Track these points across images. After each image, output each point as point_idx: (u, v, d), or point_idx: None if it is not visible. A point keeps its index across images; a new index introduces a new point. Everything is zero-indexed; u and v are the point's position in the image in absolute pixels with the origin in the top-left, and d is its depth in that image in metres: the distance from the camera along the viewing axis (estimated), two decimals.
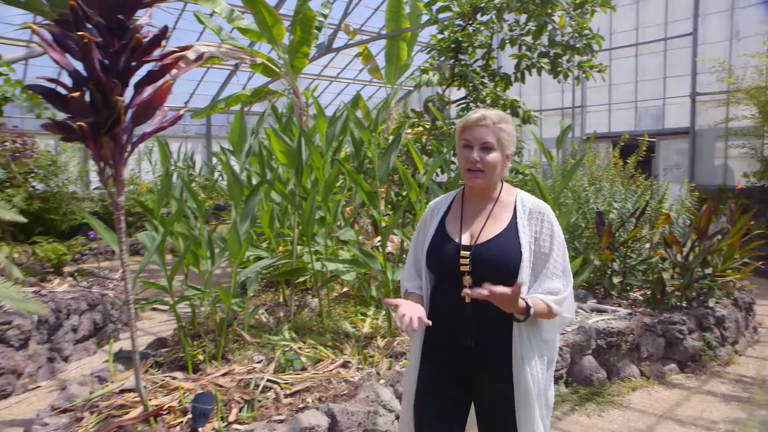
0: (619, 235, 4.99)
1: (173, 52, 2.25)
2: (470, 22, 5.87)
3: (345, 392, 3.11)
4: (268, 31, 7.75)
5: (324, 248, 4.32)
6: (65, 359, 4.73)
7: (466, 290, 1.66)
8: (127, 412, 2.83)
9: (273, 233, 4.55)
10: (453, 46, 5.86)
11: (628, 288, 5.07)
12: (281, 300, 4.87)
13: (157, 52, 2.33)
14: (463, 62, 6.18)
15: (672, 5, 10.34)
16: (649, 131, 9.58)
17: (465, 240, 1.85)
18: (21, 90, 4.49)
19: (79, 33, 1.97)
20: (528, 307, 1.69)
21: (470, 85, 6.15)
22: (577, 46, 4.72)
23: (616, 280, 4.95)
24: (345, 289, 4.93)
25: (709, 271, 4.84)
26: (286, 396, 3.04)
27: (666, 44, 10.51)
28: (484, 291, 1.59)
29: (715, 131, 9.87)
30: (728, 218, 5.44)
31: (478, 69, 6.30)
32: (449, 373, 1.88)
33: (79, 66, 2.18)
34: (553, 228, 1.84)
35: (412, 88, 14.36)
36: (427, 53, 6.40)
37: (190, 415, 2.76)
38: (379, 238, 4.73)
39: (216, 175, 12.53)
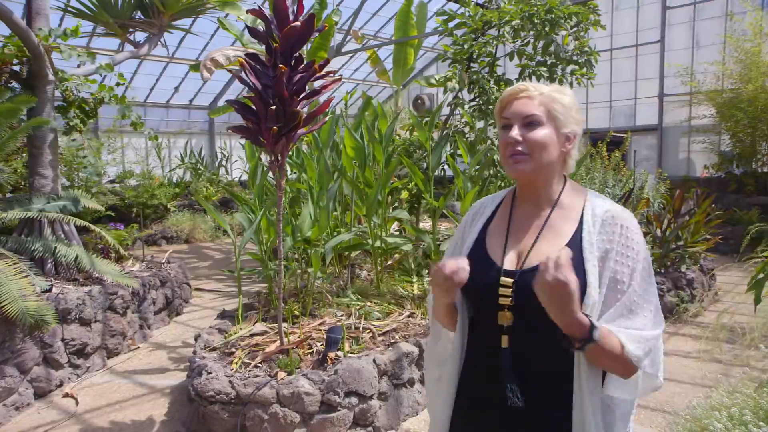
0: None
1: (328, 73, 3.14)
2: (483, 35, 6.85)
3: (421, 332, 4.05)
4: None
5: (380, 227, 5.22)
6: (149, 327, 5.52)
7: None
8: (263, 349, 3.70)
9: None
10: (466, 56, 6.83)
11: None
12: (334, 272, 5.76)
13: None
14: (474, 70, 7.15)
15: (642, 16, 11.62)
16: (622, 128, 10.81)
17: (508, 262, 1.37)
18: (112, 95, 5.24)
19: (280, 65, 2.85)
20: (592, 328, 1.19)
21: (480, 89, 7.14)
22: (580, 61, 5.75)
23: None
24: (389, 262, 5.86)
25: (681, 243, 5.97)
26: (379, 335, 3.97)
27: (637, 50, 11.78)
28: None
29: (680, 128, 11.20)
30: (695, 202, 6.62)
31: (485, 75, 7.29)
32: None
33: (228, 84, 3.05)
34: (637, 243, 1.31)
35: (401, 88, 15.25)
36: (443, 61, 7.36)
37: (312, 349, 3.66)
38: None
39: (222, 170, 13.24)
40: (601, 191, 6.35)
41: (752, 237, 5.30)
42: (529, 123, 1.34)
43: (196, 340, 4.05)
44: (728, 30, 9.98)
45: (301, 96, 3.10)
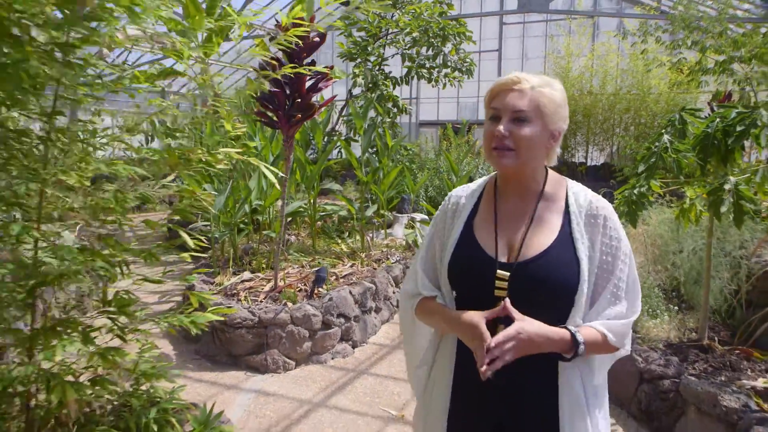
0: None
1: (324, 73, 4.18)
2: (379, 39, 8.18)
3: (369, 276, 5.28)
4: (191, 21, 8.97)
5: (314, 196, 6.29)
6: None
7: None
8: (259, 290, 4.63)
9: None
10: (369, 57, 8.12)
11: None
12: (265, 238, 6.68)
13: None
14: (368, 68, 8.47)
15: (484, 27, 13.97)
16: (468, 121, 12.98)
17: (502, 254, 1.40)
18: None
19: (301, 68, 3.85)
20: (574, 338, 1.30)
21: (371, 83, 8.47)
22: (462, 69, 7.38)
23: None
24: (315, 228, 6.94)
25: None
26: (340, 278, 5.11)
27: (480, 56, 14.08)
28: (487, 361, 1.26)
29: None
30: None
31: (377, 72, 8.65)
32: (482, 421, 1.46)
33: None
34: (619, 234, 1.40)
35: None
36: (339, 57, 8.54)
37: (299, 288, 4.70)
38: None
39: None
40: (474, 168, 8.11)
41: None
42: (518, 118, 1.34)
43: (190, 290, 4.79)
44: (548, 48, 12.65)
45: (313, 91, 4.13)
